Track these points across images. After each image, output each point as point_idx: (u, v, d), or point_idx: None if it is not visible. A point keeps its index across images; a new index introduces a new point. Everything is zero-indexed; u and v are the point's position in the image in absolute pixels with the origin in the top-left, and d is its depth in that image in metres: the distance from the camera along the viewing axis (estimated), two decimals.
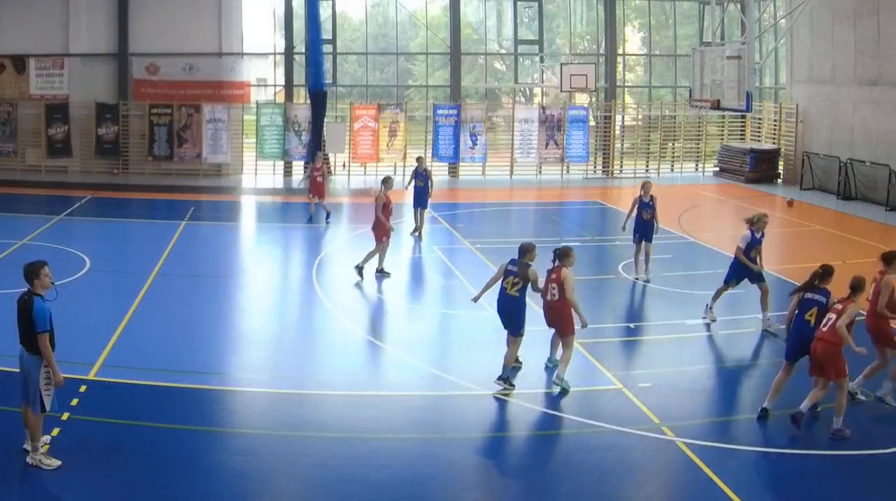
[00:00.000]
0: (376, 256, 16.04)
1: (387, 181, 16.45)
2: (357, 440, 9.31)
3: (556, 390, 10.69)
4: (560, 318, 10.85)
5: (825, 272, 10.03)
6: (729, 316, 14.15)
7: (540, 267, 10.99)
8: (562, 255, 10.90)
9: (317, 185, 21.47)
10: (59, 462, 8.29)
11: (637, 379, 11.13)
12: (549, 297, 10.83)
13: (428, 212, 20.70)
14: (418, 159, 20.82)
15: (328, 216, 21.55)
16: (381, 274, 16.01)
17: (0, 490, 7.94)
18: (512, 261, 10.85)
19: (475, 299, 11.27)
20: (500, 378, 10.69)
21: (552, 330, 11.33)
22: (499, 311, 10.98)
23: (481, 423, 9.95)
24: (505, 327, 10.97)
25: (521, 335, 10.89)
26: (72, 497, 7.93)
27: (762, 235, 13.74)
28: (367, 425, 9.73)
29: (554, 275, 10.80)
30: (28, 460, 8.30)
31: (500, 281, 10.88)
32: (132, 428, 9.26)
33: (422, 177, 19.69)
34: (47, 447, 8.48)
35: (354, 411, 10.16)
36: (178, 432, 9.30)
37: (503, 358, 10.80)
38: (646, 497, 8.46)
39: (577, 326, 10.86)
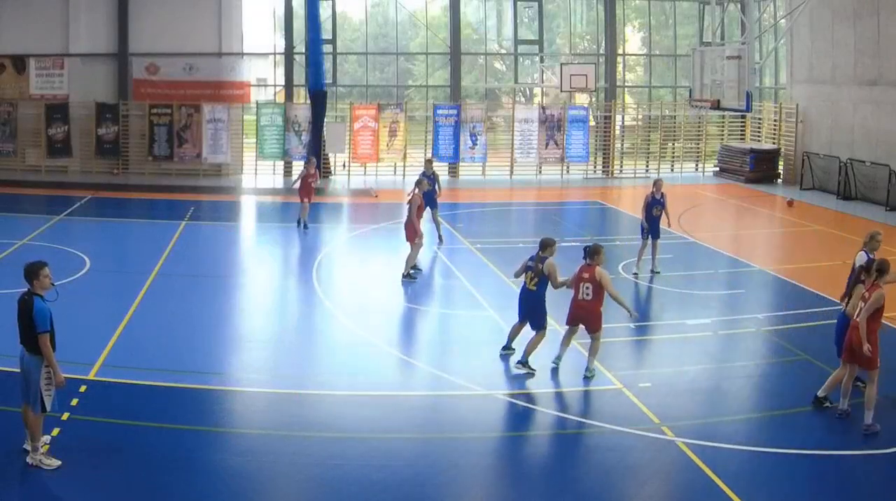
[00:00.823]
0: (409, 256, 15.99)
1: (420, 183, 16.41)
2: (357, 440, 9.31)
3: (589, 379, 10.98)
4: (589, 317, 11.00)
5: (868, 268, 9.99)
6: (729, 316, 14.16)
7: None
8: (593, 253, 11.00)
9: (311, 190, 20.73)
10: (59, 462, 8.29)
11: (637, 379, 11.13)
12: (580, 296, 10.94)
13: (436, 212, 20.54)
14: (427, 161, 20.56)
15: (306, 225, 20.69)
16: (409, 278, 15.86)
17: (0, 490, 7.94)
18: (531, 257, 11.32)
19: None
20: (519, 362, 11.27)
21: (565, 329, 11.53)
22: (519, 303, 11.51)
23: (481, 423, 9.94)
24: (523, 319, 11.49)
25: (544, 329, 11.29)
26: (72, 497, 7.93)
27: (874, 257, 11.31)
28: (367, 425, 9.73)
29: (587, 275, 10.91)
30: (28, 460, 8.30)
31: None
32: (132, 428, 9.26)
33: (430, 181, 19.28)
34: (47, 447, 8.48)
35: (354, 411, 10.16)
36: (178, 432, 9.30)
37: (526, 344, 11.30)
38: (646, 497, 8.46)
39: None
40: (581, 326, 11.29)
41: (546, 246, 11.23)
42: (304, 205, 20.60)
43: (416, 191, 16.16)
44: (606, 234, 21.43)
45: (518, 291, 11.81)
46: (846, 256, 17.11)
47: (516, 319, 11.78)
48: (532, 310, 11.35)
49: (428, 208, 19.09)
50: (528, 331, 11.56)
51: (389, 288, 16.12)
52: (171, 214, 22.38)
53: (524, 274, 11.38)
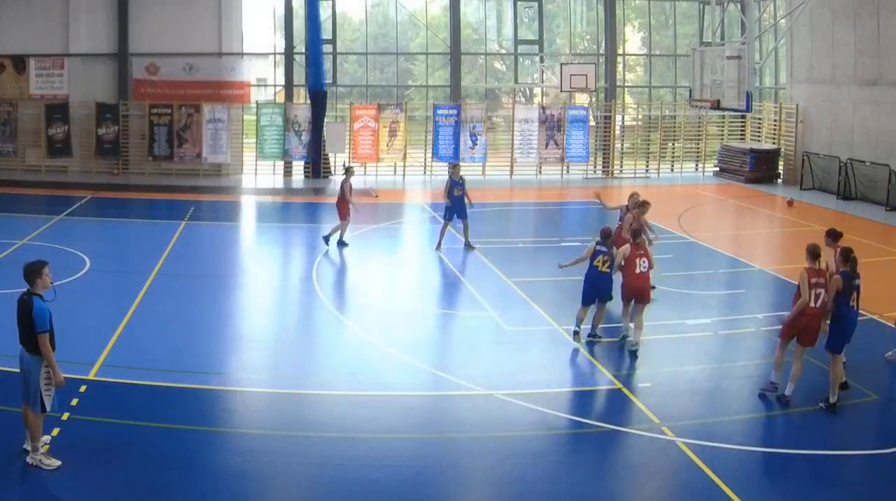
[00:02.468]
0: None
1: (640, 201, 15.05)
2: (357, 440, 9.32)
3: (634, 351, 12.07)
4: (647, 286, 12.42)
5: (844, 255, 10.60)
6: (729, 316, 14.16)
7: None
8: (640, 234, 12.72)
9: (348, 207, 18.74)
10: (59, 462, 8.29)
11: (637, 379, 11.14)
12: (638, 270, 12.29)
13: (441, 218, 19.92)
14: (454, 167, 19.50)
15: (329, 240, 18.73)
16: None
17: (0, 490, 7.94)
18: (599, 243, 12.54)
19: (562, 266, 13.11)
20: (589, 334, 12.59)
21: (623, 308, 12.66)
22: (588, 285, 12.57)
23: (481, 423, 9.94)
24: (591, 299, 12.56)
25: (610, 299, 12.72)
26: (72, 497, 7.93)
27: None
28: (367, 425, 9.74)
29: (642, 251, 12.43)
30: (28, 460, 8.30)
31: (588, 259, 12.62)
32: (132, 428, 9.26)
33: (460, 186, 18.50)
34: (47, 447, 8.48)
35: (354, 411, 10.17)
36: (178, 432, 9.31)
37: (592, 319, 12.61)
38: (646, 497, 8.46)
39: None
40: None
41: (609, 234, 12.76)
42: (345, 223, 18.66)
43: (631, 203, 15.10)
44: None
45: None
46: None
47: (579, 304, 12.68)
48: (605, 289, 12.57)
49: (457, 217, 18.38)
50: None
51: (389, 288, 16.14)
52: (171, 214, 22.37)
53: (596, 259, 12.44)
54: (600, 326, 12.72)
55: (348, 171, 19.33)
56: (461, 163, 29.83)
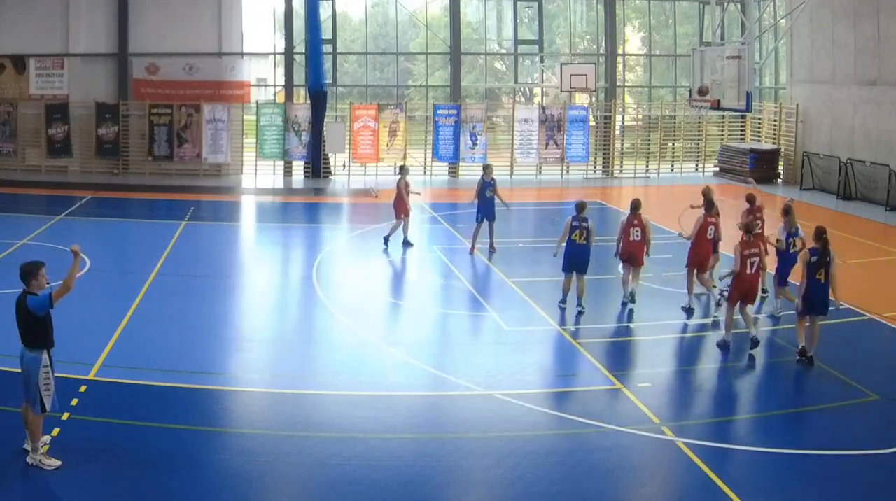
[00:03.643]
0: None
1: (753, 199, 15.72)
2: (357, 440, 9.32)
3: (630, 305, 13.94)
4: (639, 252, 14.02)
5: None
6: None
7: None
8: (638, 205, 14.00)
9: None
10: (59, 462, 8.30)
11: (637, 379, 11.14)
12: (631, 238, 13.95)
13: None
14: (486, 167, 18.84)
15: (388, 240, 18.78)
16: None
17: (0, 490, 7.94)
18: (574, 218, 13.67)
19: (556, 254, 14.03)
20: (577, 305, 13.74)
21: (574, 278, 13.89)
22: (570, 258, 13.70)
23: (481, 423, 9.94)
24: (570, 268, 13.74)
25: (586, 272, 13.82)
26: (72, 497, 7.93)
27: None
28: (367, 425, 9.73)
29: (636, 221, 13.93)
30: (28, 460, 8.30)
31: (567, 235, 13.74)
32: (132, 428, 9.26)
33: (491, 187, 18.13)
34: (47, 447, 8.49)
35: (354, 411, 10.16)
36: (178, 432, 9.31)
37: (576, 291, 13.83)
38: (646, 497, 8.46)
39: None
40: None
41: (584, 208, 13.74)
42: (407, 221, 18.70)
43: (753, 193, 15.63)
44: (607, 234, 21.37)
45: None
46: (846, 256, 17.15)
47: (562, 275, 13.88)
48: (585, 260, 13.72)
49: (486, 219, 17.97)
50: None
51: (389, 288, 16.14)
52: (171, 214, 22.38)
53: (573, 234, 13.60)
54: (584, 297, 13.82)
55: (403, 170, 19.23)
56: (461, 163, 30.16)
